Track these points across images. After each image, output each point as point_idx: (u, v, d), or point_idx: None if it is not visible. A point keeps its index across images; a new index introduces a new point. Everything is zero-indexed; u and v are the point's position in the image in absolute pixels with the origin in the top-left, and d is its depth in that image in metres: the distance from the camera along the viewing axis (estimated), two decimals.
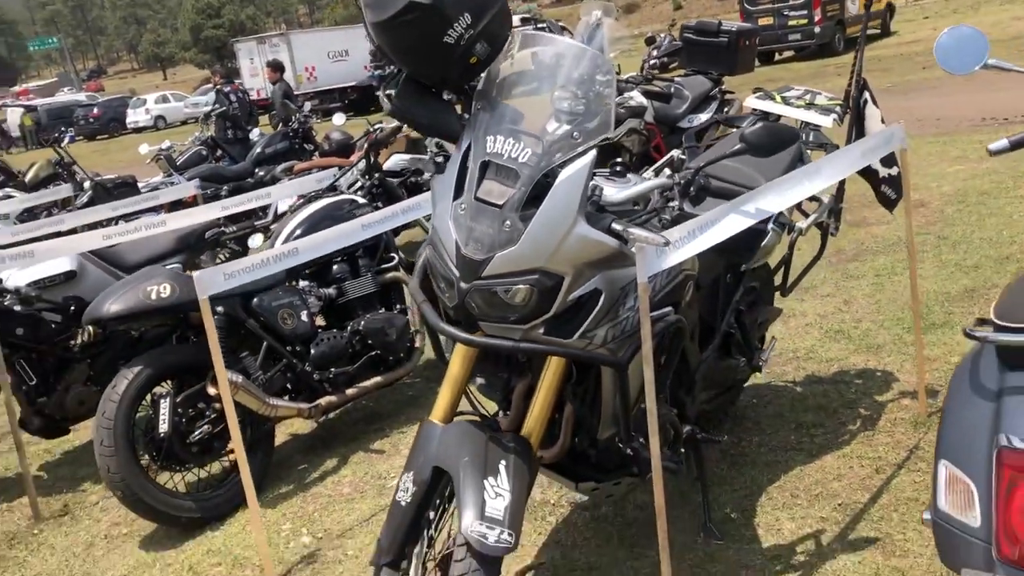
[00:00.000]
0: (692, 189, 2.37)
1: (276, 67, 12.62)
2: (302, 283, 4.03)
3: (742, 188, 2.60)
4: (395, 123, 8.44)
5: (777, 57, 22.27)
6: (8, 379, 3.79)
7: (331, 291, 4.08)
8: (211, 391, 3.47)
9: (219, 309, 3.62)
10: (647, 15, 54.17)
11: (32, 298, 3.95)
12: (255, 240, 4.35)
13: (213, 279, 2.98)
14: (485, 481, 2.06)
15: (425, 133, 3.72)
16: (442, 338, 2.70)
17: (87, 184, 8.90)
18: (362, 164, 4.47)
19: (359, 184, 4.43)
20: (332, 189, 4.49)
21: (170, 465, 3.57)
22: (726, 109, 6.83)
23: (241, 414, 3.62)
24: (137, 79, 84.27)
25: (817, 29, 20.45)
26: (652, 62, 26.04)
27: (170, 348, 3.73)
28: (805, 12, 20.77)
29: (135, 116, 37.97)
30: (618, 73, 6.12)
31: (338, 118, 8.19)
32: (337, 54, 32.99)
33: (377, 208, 4.34)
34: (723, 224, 2.42)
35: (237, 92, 11.09)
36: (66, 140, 10.60)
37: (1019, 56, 15.12)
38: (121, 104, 39.77)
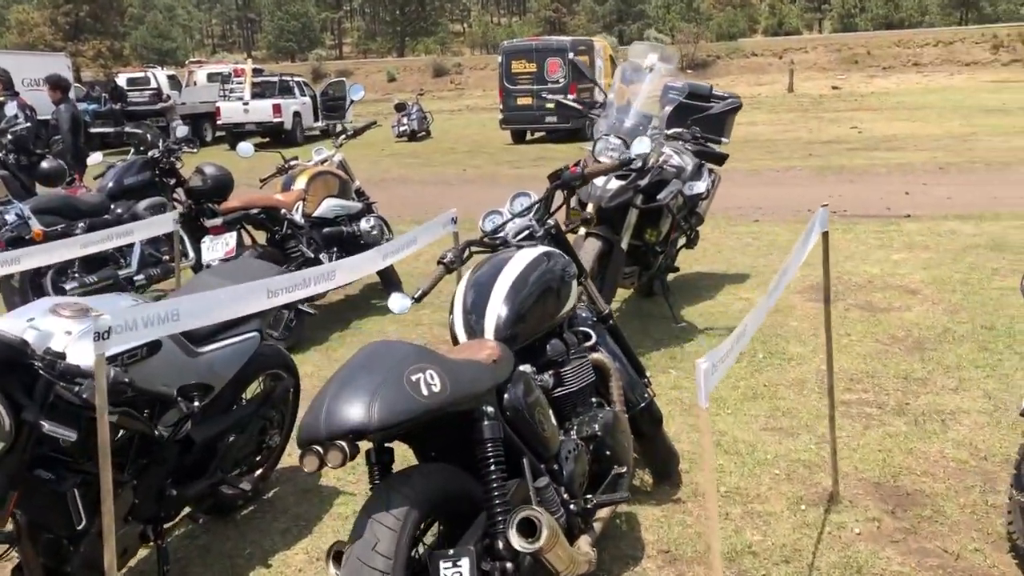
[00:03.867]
0: None
1: (58, 84, 10.28)
2: (522, 367, 2.80)
3: None
4: (326, 156, 6.97)
5: (528, 137, 22.78)
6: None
7: (549, 379, 2.89)
8: (518, 545, 2.17)
9: (488, 411, 2.35)
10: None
11: (124, 386, 2.35)
12: (397, 302, 2.97)
13: None
14: None
15: None
16: None
17: None
18: (535, 209, 3.27)
19: (528, 232, 3.25)
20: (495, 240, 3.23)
21: None
22: (713, 178, 6.35)
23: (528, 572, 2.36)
24: None
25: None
26: (403, 129, 25.60)
27: (431, 470, 2.33)
28: (562, 96, 21.43)
29: None
30: (656, 126, 5.41)
31: (245, 148, 6.62)
32: (33, 82, 28.73)
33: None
34: None
35: (26, 108, 8.81)
36: None
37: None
38: None
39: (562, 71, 21.71)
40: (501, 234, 3.27)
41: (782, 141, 19.59)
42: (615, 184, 5.08)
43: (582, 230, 5.18)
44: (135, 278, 6.45)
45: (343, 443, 2.02)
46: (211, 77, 29.45)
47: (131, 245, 6.59)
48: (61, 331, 2.40)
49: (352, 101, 6.71)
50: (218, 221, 5.45)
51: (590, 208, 5.11)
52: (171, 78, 29.10)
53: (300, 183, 6.08)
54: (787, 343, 5.34)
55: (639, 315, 6.10)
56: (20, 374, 2.22)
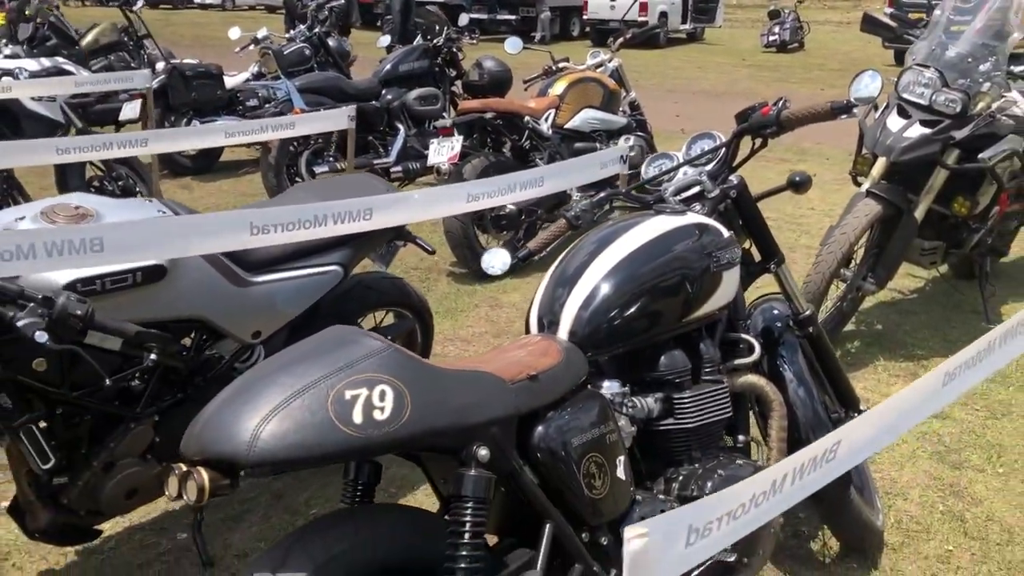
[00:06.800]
0: None
1: None
2: (606, 383, 2.00)
3: None
4: (600, 60, 6.31)
5: None
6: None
7: (653, 405, 2.05)
8: None
9: (479, 454, 1.60)
10: None
11: (75, 320, 1.93)
12: (497, 258, 2.28)
13: None
14: None
15: None
16: None
17: (160, 66, 6.89)
18: (715, 159, 2.36)
19: (698, 191, 2.35)
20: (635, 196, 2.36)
21: None
22: None
23: None
24: None
25: None
26: (772, 38, 23.32)
27: (393, 518, 1.67)
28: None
29: None
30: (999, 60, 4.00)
31: (514, 42, 6.09)
32: None
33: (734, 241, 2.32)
34: None
35: None
36: (139, 3, 8.57)
37: None
38: None
39: None
40: (660, 188, 2.40)
41: None
42: (917, 132, 3.81)
43: (864, 185, 4.02)
44: (392, 169, 6.25)
45: (203, 470, 1.41)
46: None
47: (396, 133, 6.41)
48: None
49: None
50: (447, 122, 4.98)
51: (879, 165, 3.92)
52: None
53: (557, 89, 5.40)
54: None
55: (940, 303, 4.76)
56: None
